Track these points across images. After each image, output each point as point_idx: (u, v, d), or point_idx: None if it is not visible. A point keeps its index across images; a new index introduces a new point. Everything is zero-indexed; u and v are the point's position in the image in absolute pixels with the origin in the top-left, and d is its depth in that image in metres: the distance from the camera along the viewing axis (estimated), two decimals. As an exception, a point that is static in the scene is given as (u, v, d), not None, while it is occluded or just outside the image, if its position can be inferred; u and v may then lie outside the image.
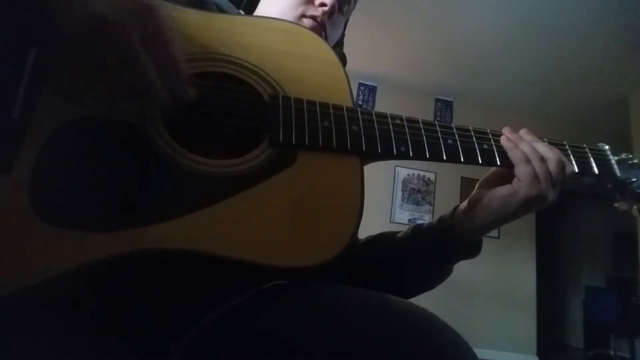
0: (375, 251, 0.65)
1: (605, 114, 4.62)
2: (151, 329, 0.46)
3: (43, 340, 0.39)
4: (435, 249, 0.60)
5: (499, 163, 0.56)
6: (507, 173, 0.59)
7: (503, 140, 0.57)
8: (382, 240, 0.66)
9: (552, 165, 0.55)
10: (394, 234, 0.66)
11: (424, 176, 4.74)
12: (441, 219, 0.61)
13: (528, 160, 0.55)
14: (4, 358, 0.37)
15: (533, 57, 4.01)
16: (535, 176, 0.54)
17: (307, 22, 0.68)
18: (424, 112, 4.69)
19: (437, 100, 4.92)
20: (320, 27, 0.69)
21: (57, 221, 0.37)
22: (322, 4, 0.68)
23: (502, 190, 0.56)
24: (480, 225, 0.57)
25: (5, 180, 0.37)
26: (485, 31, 3.76)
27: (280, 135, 0.47)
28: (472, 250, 0.60)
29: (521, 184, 0.54)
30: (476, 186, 0.61)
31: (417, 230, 0.63)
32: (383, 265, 0.63)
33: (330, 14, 0.69)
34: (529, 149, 0.56)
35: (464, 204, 0.60)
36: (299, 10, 0.68)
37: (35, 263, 0.35)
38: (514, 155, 0.56)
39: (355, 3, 0.79)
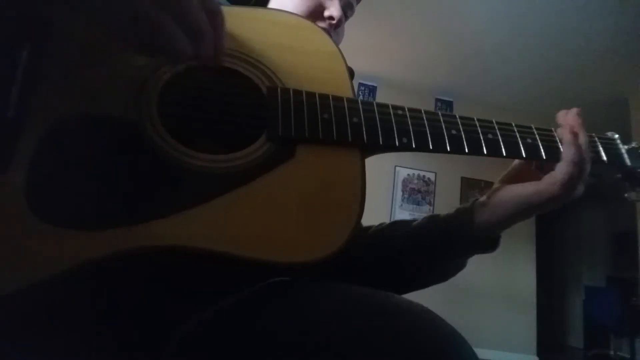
0: (390, 240, 0.64)
1: (605, 114, 4.61)
2: (150, 327, 0.45)
3: (41, 340, 0.39)
4: (452, 241, 0.58)
5: (504, 154, 0.54)
6: (527, 168, 0.58)
7: (565, 131, 0.54)
8: (397, 229, 0.65)
9: (586, 170, 0.53)
10: (408, 222, 0.64)
11: (424, 176, 4.74)
12: (459, 211, 0.59)
13: (576, 163, 0.51)
14: (4, 358, 0.37)
15: (533, 57, 4.01)
16: (572, 180, 0.51)
17: None
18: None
19: (437, 100, 4.92)
20: None
21: (54, 220, 0.37)
22: (331, 17, 0.69)
23: (525, 189, 0.54)
24: (498, 222, 0.56)
25: (1, 180, 0.37)
26: (486, 31, 3.76)
27: (279, 128, 0.46)
28: (491, 244, 0.58)
29: (551, 183, 0.52)
30: (496, 182, 0.60)
31: (434, 221, 0.61)
32: (398, 255, 0.62)
33: (337, 26, 0.70)
34: (584, 150, 0.52)
35: (483, 198, 0.58)
36: None
37: (32, 263, 0.35)
38: (568, 152, 0.52)
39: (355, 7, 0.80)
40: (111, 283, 0.41)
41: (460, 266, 0.62)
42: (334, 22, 0.69)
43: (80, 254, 0.36)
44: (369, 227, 0.67)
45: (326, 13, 0.70)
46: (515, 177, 0.58)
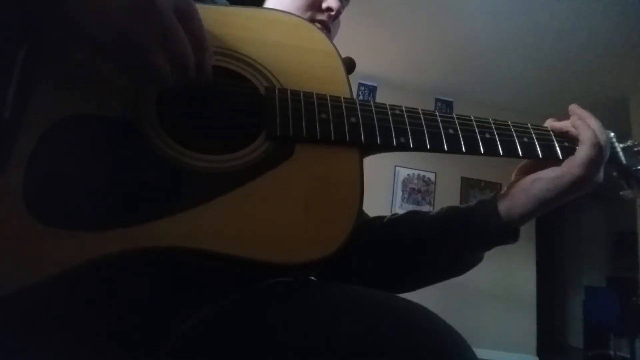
0: (406, 230, 0.63)
1: (605, 114, 4.60)
2: (150, 326, 0.45)
3: (42, 340, 0.39)
4: (477, 230, 0.57)
5: (501, 153, 0.54)
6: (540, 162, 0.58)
7: (575, 119, 0.56)
8: (413, 219, 0.64)
9: (606, 152, 0.54)
10: (425, 213, 0.64)
11: (424, 176, 4.74)
12: (482, 203, 0.59)
13: (594, 144, 0.53)
14: (4, 358, 0.37)
15: (533, 57, 4.01)
16: (593, 161, 0.53)
17: None
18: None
19: (437, 100, 4.92)
20: (327, 30, 0.71)
21: (52, 221, 0.36)
22: (329, 9, 0.69)
23: (546, 174, 0.54)
24: (522, 212, 0.55)
25: None
26: (486, 31, 3.76)
27: (277, 128, 0.46)
28: (512, 236, 0.58)
29: (572, 165, 0.53)
30: (513, 174, 0.60)
31: (456, 210, 0.61)
32: (414, 245, 0.61)
33: (335, 17, 0.70)
34: (599, 133, 0.54)
35: (504, 190, 0.58)
36: (307, 16, 0.69)
37: (32, 264, 0.35)
38: (585, 135, 0.54)
39: None
40: (111, 283, 0.41)
41: (478, 260, 0.62)
42: (332, 13, 0.70)
43: (79, 255, 0.36)
44: (382, 217, 0.67)
45: (324, 5, 0.70)
46: (530, 169, 0.58)
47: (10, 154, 0.37)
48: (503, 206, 0.56)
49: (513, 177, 0.60)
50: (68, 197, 0.38)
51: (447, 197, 4.60)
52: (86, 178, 0.39)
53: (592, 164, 0.53)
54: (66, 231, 0.36)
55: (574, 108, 0.59)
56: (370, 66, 4.47)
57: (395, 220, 0.65)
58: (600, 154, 0.53)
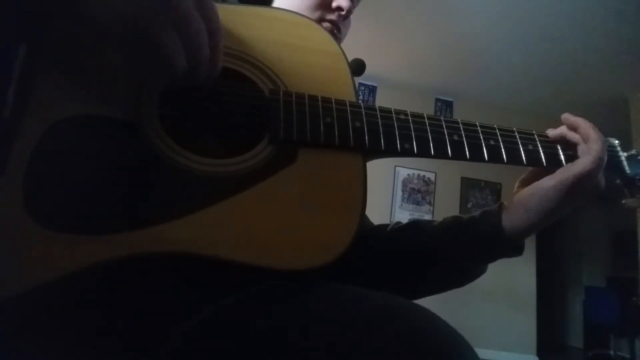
0: (409, 240, 0.62)
1: (605, 114, 4.61)
2: (151, 328, 0.45)
3: (40, 342, 0.39)
4: (479, 243, 0.57)
5: (505, 160, 0.54)
6: (544, 170, 0.58)
7: (572, 132, 0.56)
8: (417, 227, 0.63)
9: (602, 164, 0.53)
10: (428, 222, 0.64)
11: (424, 176, 4.73)
12: (486, 214, 0.58)
13: (595, 160, 0.52)
14: (4, 358, 0.37)
15: (533, 57, 4.00)
16: (583, 175, 0.52)
17: (325, 26, 0.68)
18: (424, 112, 4.71)
19: (437, 100, 4.92)
20: (337, 30, 0.70)
21: (53, 225, 0.36)
22: (339, 8, 0.68)
23: (540, 184, 0.54)
24: (523, 224, 0.55)
25: None
26: (486, 31, 3.75)
27: (281, 131, 0.46)
28: (516, 249, 0.58)
29: (565, 176, 0.53)
30: (516, 185, 0.60)
31: (458, 222, 0.60)
32: (417, 255, 0.61)
33: (346, 17, 0.69)
34: (595, 148, 0.53)
35: (506, 204, 0.58)
36: (316, 15, 0.68)
37: (30, 268, 0.34)
38: (590, 147, 0.54)
39: None
40: (111, 284, 0.41)
41: (480, 272, 0.61)
42: (342, 12, 0.68)
43: (79, 259, 0.36)
44: (385, 225, 0.67)
45: (334, 4, 0.69)
46: (532, 179, 0.58)
47: (10, 155, 0.37)
48: (506, 220, 0.56)
49: (515, 189, 0.59)
50: (68, 199, 0.38)
51: (447, 197, 4.60)
52: (86, 180, 0.39)
53: (583, 177, 0.52)
54: (67, 234, 0.36)
55: (566, 117, 0.58)
56: (370, 66, 4.40)
57: (398, 230, 0.65)
58: (592, 169, 0.53)
